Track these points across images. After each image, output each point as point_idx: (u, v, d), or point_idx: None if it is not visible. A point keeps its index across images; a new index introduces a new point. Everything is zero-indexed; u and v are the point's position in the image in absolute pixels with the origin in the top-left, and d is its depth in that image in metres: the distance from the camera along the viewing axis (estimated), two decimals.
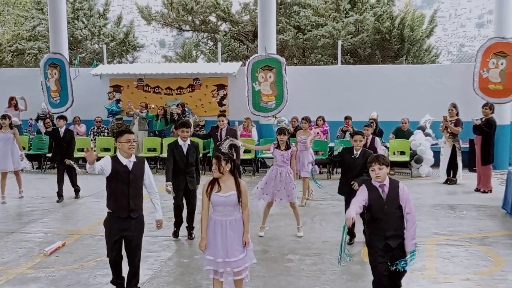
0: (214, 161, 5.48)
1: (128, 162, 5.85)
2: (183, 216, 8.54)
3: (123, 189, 5.80)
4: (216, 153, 5.68)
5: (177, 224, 8.54)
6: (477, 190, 11.82)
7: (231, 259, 5.42)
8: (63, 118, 11.75)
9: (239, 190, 5.43)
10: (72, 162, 11.08)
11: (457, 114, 12.35)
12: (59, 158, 11.50)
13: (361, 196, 5.24)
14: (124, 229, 5.86)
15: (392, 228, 5.20)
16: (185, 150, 8.20)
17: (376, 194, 5.21)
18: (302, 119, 11.17)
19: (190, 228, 8.54)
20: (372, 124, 14.11)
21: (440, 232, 8.68)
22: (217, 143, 9.77)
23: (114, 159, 5.85)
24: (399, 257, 5.18)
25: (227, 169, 5.46)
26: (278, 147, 8.58)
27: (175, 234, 8.53)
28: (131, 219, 5.88)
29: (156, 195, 6.16)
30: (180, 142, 8.24)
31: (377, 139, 9.74)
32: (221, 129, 10.45)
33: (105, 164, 5.78)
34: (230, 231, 5.44)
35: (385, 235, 5.19)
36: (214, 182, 5.50)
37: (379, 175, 5.18)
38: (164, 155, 14.67)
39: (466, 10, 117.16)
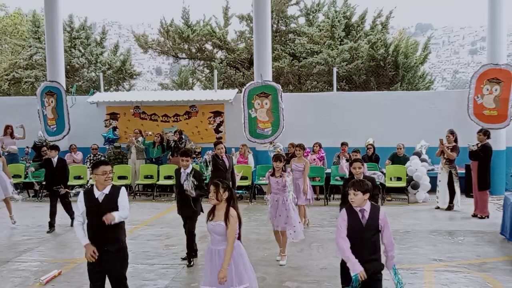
0: (212, 188, 5.47)
1: (100, 194, 5.72)
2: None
3: (96, 222, 5.63)
4: (215, 180, 5.64)
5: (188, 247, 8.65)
6: (474, 215, 11.81)
7: None
8: (55, 148, 11.61)
9: (226, 221, 5.36)
10: (66, 190, 11.12)
11: (455, 141, 12.38)
12: (52, 188, 11.44)
13: (343, 225, 5.29)
14: (103, 261, 5.68)
15: (368, 252, 5.24)
16: (182, 178, 8.30)
17: (356, 219, 5.27)
18: (296, 146, 10.96)
19: (189, 254, 8.49)
20: (369, 149, 14.27)
21: (438, 258, 8.64)
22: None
23: (87, 194, 5.79)
24: (373, 279, 5.23)
25: (225, 197, 5.45)
26: (273, 174, 8.52)
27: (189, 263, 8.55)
28: (109, 252, 5.70)
29: (125, 210, 5.72)
30: (182, 169, 8.40)
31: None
32: (222, 157, 10.43)
33: (80, 204, 5.76)
34: (219, 261, 5.38)
35: (362, 259, 5.20)
36: (212, 209, 5.53)
37: (353, 200, 5.26)
38: (161, 182, 14.87)
39: (459, 37, 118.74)
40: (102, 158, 15.75)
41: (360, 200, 5.24)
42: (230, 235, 5.35)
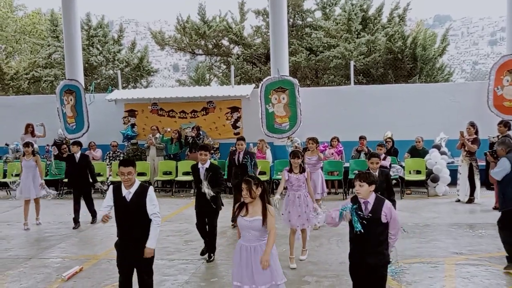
0: (244, 185, 5.38)
1: (127, 193, 5.77)
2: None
3: (125, 219, 5.74)
4: (245, 177, 5.59)
5: (205, 243, 8.64)
6: (495, 208, 11.65)
7: (259, 287, 5.31)
8: (78, 144, 11.78)
9: (265, 215, 5.33)
10: (100, 185, 11.43)
11: (475, 133, 12.23)
12: (75, 184, 11.65)
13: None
14: (131, 256, 5.81)
15: (371, 245, 5.25)
16: (202, 173, 8.27)
17: (358, 209, 5.29)
18: (309, 139, 10.65)
19: (209, 250, 8.50)
20: (388, 143, 14.16)
21: (459, 252, 8.57)
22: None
23: (116, 189, 5.85)
24: (377, 273, 5.25)
25: (258, 193, 5.41)
26: (290, 170, 8.33)
27: (208, 258, 8.50)
28: (138, 247, 5.79)
29: (156, 219, 5.84)
30: (199, 165, 8.39)
31: (388, 157, 9.77)
32: (239, 153, 10.47)
33: (108, 198, 5.84)
34: (255, 257, 5.34)
35: (365, 251, 5.25)
36: (242, 205, 5.47)
37: (359, 192, 5.28)
38: (179, 178, 14.94)
39: (478, 28, 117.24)
40: (121, 156, 15.89)
41: (366, 192, 5.26)
42: (271, 227, 5.34)
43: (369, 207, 5.25)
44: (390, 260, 5.58)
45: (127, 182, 5.74)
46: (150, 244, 5.78)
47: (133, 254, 5.79)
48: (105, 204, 5.89)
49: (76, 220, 11.28)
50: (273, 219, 5.38)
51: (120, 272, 5.96)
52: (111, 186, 5.95)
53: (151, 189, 5.91)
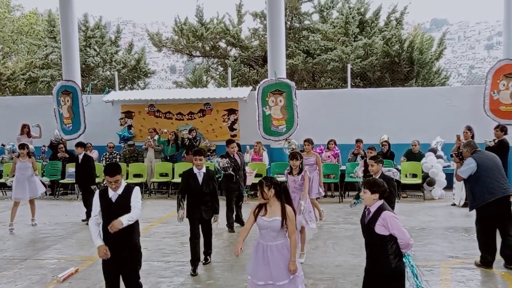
0: (258, 187, 5.55)
1: (114, 194, 5.77)
2: (200, 250, 8.19)
3: (109, 222, 5.64)
4: (260, 179, 5.68)
5: (194, 260, 7.98)
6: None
7: (277, 283, 5.42)
8: (81, 145, 12.05)
9: (284, 216, 5.43)
10: (95, 187, 11.43)
11: (472, 137, 12.25)
12: (79, 183, 12.09)
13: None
14: (117, 260, 5.75)
15: (371, 250, 5.34)
16: (200, 179, 8.01)
17: (363, 215, 5.41)
18: (305, 141, 10.79)
19: (206, 253, 8.43)
20: (384, 146, 14.19)
21: (454, 255, 8.59)
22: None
23: (102, 193, 5.83)
24: (378, 282, 5.25)
25: (271, 194, 5.49)
26: (290, 172, 8.43)
27: (193, 272, 7.92)
28: (122, 252, 5.76)
29: (136, 210, 5.73)
30: (195, 170, 8.03)
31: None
32: (233, 155, 10.45)
33: (96, 205, 5.80)
34: (272, 256, 5.44)
35: (367, 258, 5.40)
36: (262, 205, 5.58)
37: (363, 198, 5.32)
38: (176, 180, 14.88)
39: (475, 32, 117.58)
40: (118, 157, 15.87)
41: (369, 199, 5.25)
42: (291, 230, 5.44)
43: (370, 215, 5.26)
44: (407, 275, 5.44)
45: (115, 189, 5.77)
46: (123, 218, 5.59)
47: (119, 259, 5.75)
48: (95, 212, 5.81)
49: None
50: (293, 224, 5.47)
51: (106, 279, 5.90)
52: (97, 192, 5.92)
53: (136, 188, 5.92)
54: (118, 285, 5.91)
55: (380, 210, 5.22)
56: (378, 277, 5.25)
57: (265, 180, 5.54)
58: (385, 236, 5.14)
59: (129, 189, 5.85)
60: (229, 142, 10.71)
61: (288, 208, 5.49)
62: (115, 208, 5.70)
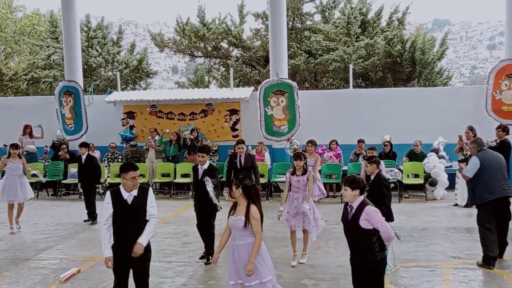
0: (228, 186, 5.71)
1: (129, 196, 5.74)
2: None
3: (125, 222, 5.68)
4: (232, 178, 5.81)
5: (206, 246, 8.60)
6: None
7: (246, 283, 5.45)
8: (85, 145, 12.06)
9: (247, 215, 5.47)
10: (99, 187, 11.70)
11: (474, 137, 12.22)
12: (82, 184, 12.06)
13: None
14: (128, 258, 5.74)
15: (354, 246, 5.49)
16: (200, 174, 8.34)
17: (345, 213, 5.51)
18: (308, 142, 10.80)
19: (207, 253, 8.49)
20: (386, 146, 14.18)
21: (456, 256, 8.58)
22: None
23: (114, 194, 5.78)
24: (362, 275, 5.42)
25: (239, 194, 5.55)
26: (293, 173, 8.39)
27: (202, 257, 8.59)
28: (133, 248, 5.72)
29: (154, 219, 5.84)
30: (199, 166, 8.46)
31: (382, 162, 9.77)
32: (240, 156, 10.46)
33: (108, 205, 5.75)
34: (239, 255, 5.50)
35: (351, 254, 5.56)
36: (234, 205, 5.66)
37: (344, 195, 5.48)
38: (178, 180, 14.94)
39: (477, 32, 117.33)
40: (120, 157, 15.89)
41: (350, 196, 5.39)
42: (255, 229, 5.47)
43: (352, 211, 5.38)
44: (388, 269, 5.65)
45: (135, 187, 5.76)
46: (142, 240, 5.66)
47: (130, 256, 5.76)
48: (107, 215, 5.75)
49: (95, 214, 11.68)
50: (258, 224, 5.49)
51: (115, 275, 5.91)
52: (108, 193, 5.86)
53: (150, 190, 5.96)
54: (126, 282, 5.92)
55: (362, 205, 5.36)
56: (363, 271, 5.39)
57: (235, 179, 5.63)
58: (370, 230, 5.30)
59: (143, 190, 5.87)
60: (238, 142, 10.71)
61: (253, 207, 5.50)
62: (131, 211, 5.70)
